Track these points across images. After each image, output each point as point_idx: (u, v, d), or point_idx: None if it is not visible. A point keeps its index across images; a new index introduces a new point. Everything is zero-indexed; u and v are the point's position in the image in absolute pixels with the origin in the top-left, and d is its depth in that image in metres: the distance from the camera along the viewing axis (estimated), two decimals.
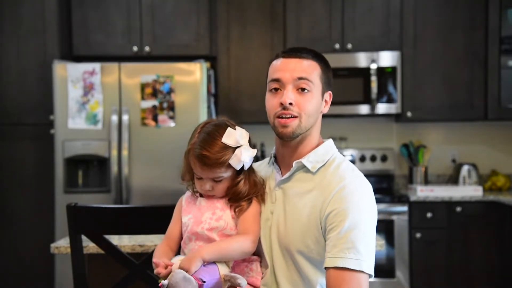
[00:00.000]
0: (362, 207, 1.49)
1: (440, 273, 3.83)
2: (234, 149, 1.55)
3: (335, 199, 1.49)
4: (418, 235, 3.81)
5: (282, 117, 1.56)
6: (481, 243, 3.83)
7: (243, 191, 1.58)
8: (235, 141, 1.55)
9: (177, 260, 1.49)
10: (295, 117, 1.55)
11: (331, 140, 1.67)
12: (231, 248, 1.51)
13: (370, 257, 1.48)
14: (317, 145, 1.63)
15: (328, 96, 1.64)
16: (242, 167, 1.58)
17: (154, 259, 1.53)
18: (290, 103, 1.54)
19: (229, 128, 1.56)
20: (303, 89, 1.56)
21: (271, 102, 1.59)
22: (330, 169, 1.57)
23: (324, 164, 1.59)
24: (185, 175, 1.62)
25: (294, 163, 1.59)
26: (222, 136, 1.54)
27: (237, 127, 1.59)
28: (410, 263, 3.83)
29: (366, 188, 1.54)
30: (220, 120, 1.61)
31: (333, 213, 1.48)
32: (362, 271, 1.45)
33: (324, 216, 1.50)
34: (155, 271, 1.50)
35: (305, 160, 1.59)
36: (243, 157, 1.55)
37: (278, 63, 1.60)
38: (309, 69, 1.57)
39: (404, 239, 3.82)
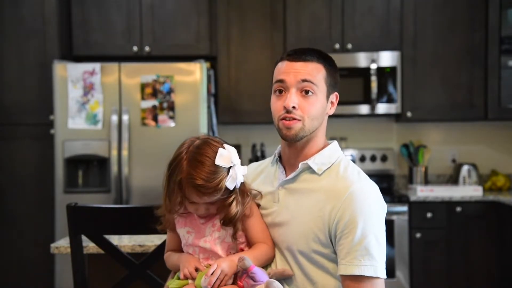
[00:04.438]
0: (372, 212, 1.49)
1: (440, 273, 3.83)
2: (228, 169, 1.49)
3: (345, 207, 1.48)
4: (418, 235, 3.81)
5: (285, 119, 1.55)
6: (481, 243, 3.83)
7: (235, 213, 1.51)
8: (228, 161, 1.48)
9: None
10: (298, 120, 1.55)
11: (336, 142, 1.67)
12: (260, 258, 1.54)
13: (383, 260, 1.49)
14: (323, 147, 1.63)
15: (334, 97, 1.63)
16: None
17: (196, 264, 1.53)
18: (294, 107, 1.53)
19: (220, 149, 1.49)
20: (307, 92, 1.55)
21: (275, 105, 1.58)
22: (336, 173, 1.57)
23: (330, 166, 1.59)
24: (175, 205, 1.52)
25: (300, 164, 1.59)
26: (213, 159, 1.47)
27: (225, 145, 1.52)
28: (410, 263, 3.83)
29: (373, 192, 1.54)
30: (203, 139, 1.52)
31: (344, 220, 1.47)
32: (378, 277, 1.46)
33: (333, 223, 1.50)
34: (189, 273, 1.50)
35: (311, 162, 1.58)
36: (239, 176, 1.50)
37: (283, 65, 1.58)
38: (314, 71, 1.56)
39: (404, 239, 3.81)
